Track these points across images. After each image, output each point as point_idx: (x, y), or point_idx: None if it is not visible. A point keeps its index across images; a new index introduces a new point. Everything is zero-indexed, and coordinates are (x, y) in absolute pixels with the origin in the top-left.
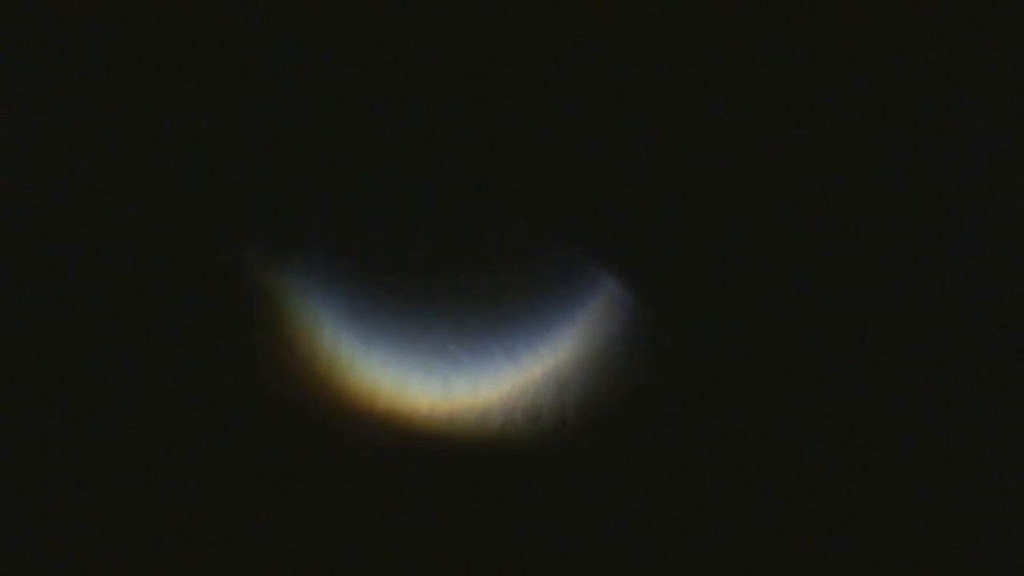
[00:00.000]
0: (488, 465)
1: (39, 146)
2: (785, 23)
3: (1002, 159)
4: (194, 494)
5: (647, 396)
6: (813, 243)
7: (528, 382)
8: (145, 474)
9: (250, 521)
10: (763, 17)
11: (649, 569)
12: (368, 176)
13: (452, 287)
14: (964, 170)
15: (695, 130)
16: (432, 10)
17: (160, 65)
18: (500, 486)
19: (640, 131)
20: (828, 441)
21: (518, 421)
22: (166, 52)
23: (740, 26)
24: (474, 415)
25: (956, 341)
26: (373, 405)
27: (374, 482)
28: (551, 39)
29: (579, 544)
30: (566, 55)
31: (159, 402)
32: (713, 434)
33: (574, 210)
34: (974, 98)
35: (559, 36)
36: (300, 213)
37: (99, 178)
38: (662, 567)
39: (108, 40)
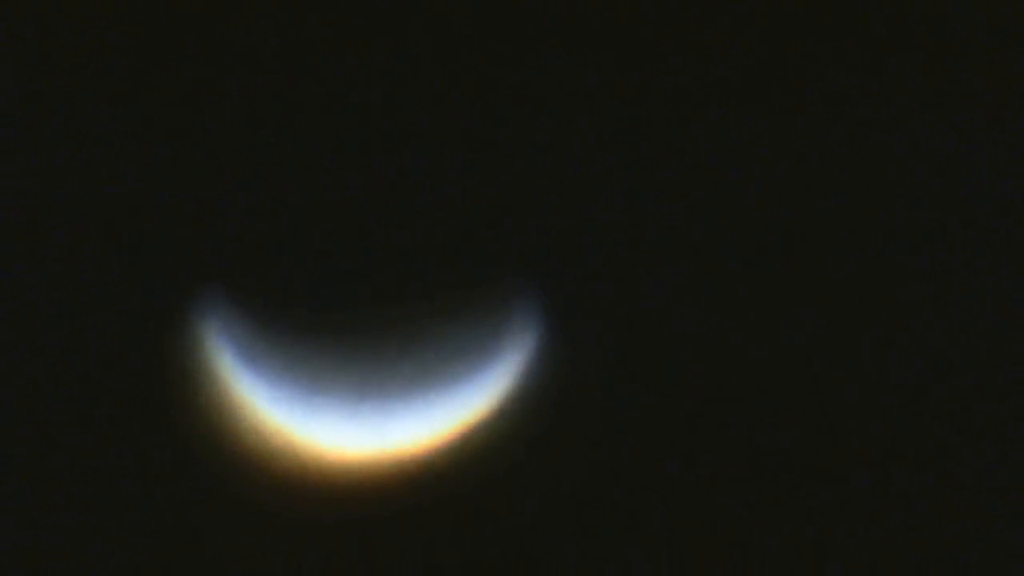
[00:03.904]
0: (429, 511)
1: None
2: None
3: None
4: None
5: (589, 425)
6: (785, 265)
7: (466, 419)
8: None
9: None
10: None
11: None
12: (294, 213)
13: (381, 321)
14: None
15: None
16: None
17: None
18: (444, 532)
19: (581, 160)
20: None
21: (456, 462)
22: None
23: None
24: (412, 459)
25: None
26: (300, 450)
27: (308, 534)
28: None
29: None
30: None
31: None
32: (663, 457)
33: (511, 239)
34: (970, 99)
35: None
36: (221, 246)
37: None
38: None
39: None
